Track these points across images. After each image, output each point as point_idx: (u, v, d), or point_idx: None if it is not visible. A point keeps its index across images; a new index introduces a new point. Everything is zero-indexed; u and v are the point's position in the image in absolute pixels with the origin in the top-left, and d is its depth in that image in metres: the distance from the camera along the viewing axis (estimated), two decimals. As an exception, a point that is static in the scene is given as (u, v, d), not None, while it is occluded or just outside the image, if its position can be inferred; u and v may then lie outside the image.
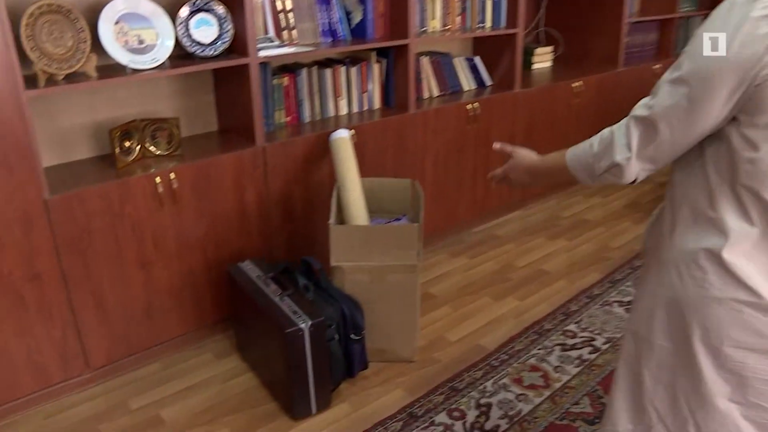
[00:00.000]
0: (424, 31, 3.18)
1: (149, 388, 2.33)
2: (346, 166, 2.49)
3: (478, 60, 3.53)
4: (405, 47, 2.91)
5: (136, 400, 2.27)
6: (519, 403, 2.23)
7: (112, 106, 2.43)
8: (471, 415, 2.18)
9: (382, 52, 3.02)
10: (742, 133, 1.04)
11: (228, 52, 2.45)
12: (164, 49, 2.28)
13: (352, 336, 2.26)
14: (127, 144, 2.34)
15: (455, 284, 3.04)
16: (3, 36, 1.83)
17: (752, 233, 1.08)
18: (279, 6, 2.67)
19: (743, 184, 1.06)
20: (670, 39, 4.48)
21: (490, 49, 3.56)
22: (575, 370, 2.39)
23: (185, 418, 2.19)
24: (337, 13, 2.85)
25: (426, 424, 2.14)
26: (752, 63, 0.97)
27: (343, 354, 2.25)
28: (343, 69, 2.89)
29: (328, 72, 2.85)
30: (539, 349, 2.52)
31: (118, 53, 2.18)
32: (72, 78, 2.09)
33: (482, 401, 2.24)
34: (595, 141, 1.19)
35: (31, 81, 1.99)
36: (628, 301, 2.83)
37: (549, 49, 4.15)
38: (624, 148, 1.12)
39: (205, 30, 2.38)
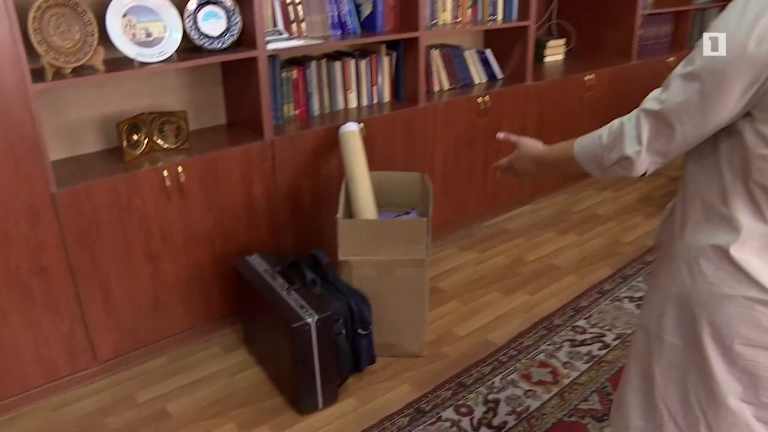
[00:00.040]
0: (435, 24, 3.15)
1: (156, 381, 2.34)
2: (354, 159, 2.48)
3: (489, 53, 3.49)
4: (415, 40, 2.88)
5: (142, 394, 2.27)
6: (527, 400, 2.21)
7: (120, 99, 2.42)
8: (478, 411, 2.16)
9: (391, 45, 2.99)
10: (756, 130, 1.01)
11: (236, 45, 2.43)
12: (172, 42, 2.27)
13: (360, 331, 2.25)
14: (134, 137, 2.34)
15: (464, 278, 3.02)
16: (10, 29, 1.83)
17: (765, 231, 1.06)
18: (287, -2, 2.66)
19: (756, 181, 1.04)
20: (684, 31, 4.42)
21: (501, 41, 3.53)
22: (584, 367, 2.37)
23: (192, 412, 2.19)
24: (346, 6, 2.83)
25: (433, 420, 2.13)
26: None
27: (351, 349, 2.24)
28: (352, 62, 2.87)
29: (337, 65, 2.83)
30: (548, 345, 2.50)
31: (125, 46, 2.18)
32: (79, 71, 2.09)
33: (490, 397, 2.22)
34: (604, 132, 1.17)
35: (38, 74, 1.99)
36: (639, 297, 2.80)
37: (561, 41, 4.11)
38: (634, 141, 1.10)
39: (213, 23, 2.37)
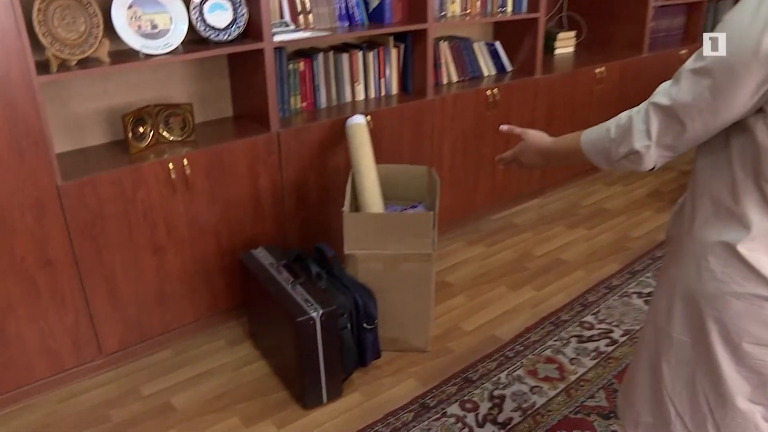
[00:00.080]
0: (444, 16, 3.12)
1: (161, 374, 2.34)
2: (361, 152, 2.46)
3: (498, 45, 3.46)
4: (423, 32, 2.85)
5: (147, 387, 2.27)
6: (533, 396, 2.19)
7: (125, 91, 2.41)
8: (484, 407, 2.15)
9: (399, 37, 2.97)
10: (768, 126, 0.99)
11: (242, 37, 2.42)
12: (178, 33, 2.26)
13: (365, 325, 2.23)
14: (140, 130, 2.33)
15: (472, 273, 3.00)
16: (15, 21, 1.82)
17: (775, 229, 1.03)
18: (294, -10, 2.64)
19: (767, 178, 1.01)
20: (698, 24, 4.36)
21: (510, 33, 3.49)
22: (591, 363, 2.35)
23: (196, 405, 2.19)
24: (353, -3, 2.81)
25: (438, 415, 2.11)
26: None
27: (356, 343, 2.23)
28: (360, 54, 2.85)
29: (344, 57, 2.81)
30: (555, 341, 2.48)
31: (131, 38, 2.16)
32: (84, 63, 2.08)
33: (495, 393, 2.21)
34: (612, 126, 1.14)
35: (43, 66, 1.98)
36: (648, 293, 2.78)
37: (571, 34, 4.06)
38: (643, 135, 1.08)
39: (220, 14, 2.36)
